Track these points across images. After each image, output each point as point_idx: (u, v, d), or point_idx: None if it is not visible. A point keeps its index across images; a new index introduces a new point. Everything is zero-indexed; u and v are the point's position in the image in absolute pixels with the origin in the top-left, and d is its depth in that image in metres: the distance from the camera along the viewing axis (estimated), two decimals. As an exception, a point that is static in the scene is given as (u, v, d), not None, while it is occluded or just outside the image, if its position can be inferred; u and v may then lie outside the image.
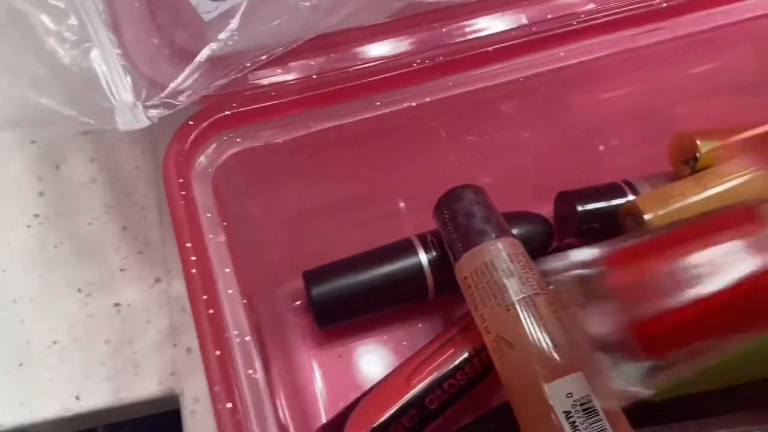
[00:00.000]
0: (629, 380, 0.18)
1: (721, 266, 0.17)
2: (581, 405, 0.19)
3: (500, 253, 0.23)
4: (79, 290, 0.31)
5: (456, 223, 0.25)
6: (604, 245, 0.21)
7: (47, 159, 0.34)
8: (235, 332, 0.19)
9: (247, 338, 0.19)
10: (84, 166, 0.33)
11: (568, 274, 0.21)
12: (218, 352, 0.18)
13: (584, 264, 0.20)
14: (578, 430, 0.19)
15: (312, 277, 0.28)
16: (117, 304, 0.30)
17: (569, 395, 0.19)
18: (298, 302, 0.28)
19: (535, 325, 0.20)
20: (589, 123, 0.30)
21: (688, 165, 0.30)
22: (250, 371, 0.18)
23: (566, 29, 0.25)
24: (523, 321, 0.21)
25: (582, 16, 0.25)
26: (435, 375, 0.26)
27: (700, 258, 0.18)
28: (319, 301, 0.27)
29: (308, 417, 0.25)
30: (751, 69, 0.32)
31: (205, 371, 0.18)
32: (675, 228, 0.22)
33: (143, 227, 0.32)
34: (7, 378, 0.29)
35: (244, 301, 0.19)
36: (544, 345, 0.20)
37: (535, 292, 0.21)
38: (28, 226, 0.32)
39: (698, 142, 0.29)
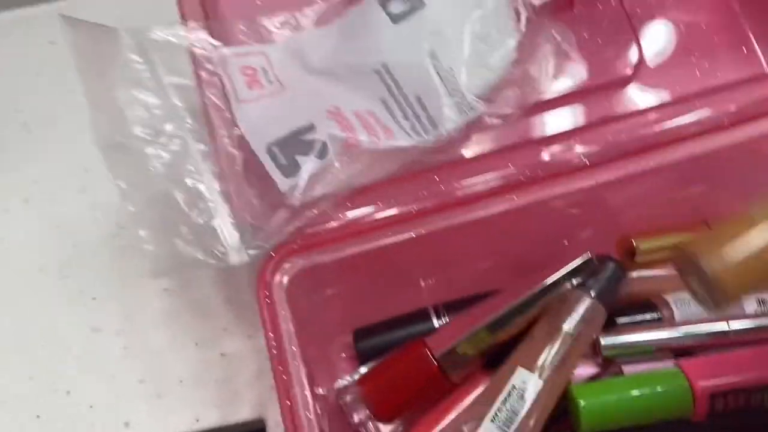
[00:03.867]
0: None
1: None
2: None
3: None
4: (196, 344, 0.44)
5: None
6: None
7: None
8: (298, 388, 0.31)
9: (306, 390, 0.31)
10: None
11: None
12: (288, 402, 0.30)
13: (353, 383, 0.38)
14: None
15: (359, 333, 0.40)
16: (223, 354, 0.44)
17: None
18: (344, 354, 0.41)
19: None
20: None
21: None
22: (307, 413, 0.31)
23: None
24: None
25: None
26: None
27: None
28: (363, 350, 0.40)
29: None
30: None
31: (281, 412, 0.30)
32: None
33: (240, 297, 0.45)
34: (153, 406, 0.42)
35: (305, 368, 0.32)
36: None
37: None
38: (160, 298, 0.46)
39: (634, 242, 0.40)
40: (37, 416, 0.43)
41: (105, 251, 0.47)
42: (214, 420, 0.42)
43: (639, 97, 0.42)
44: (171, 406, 0.42)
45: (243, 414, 0.42)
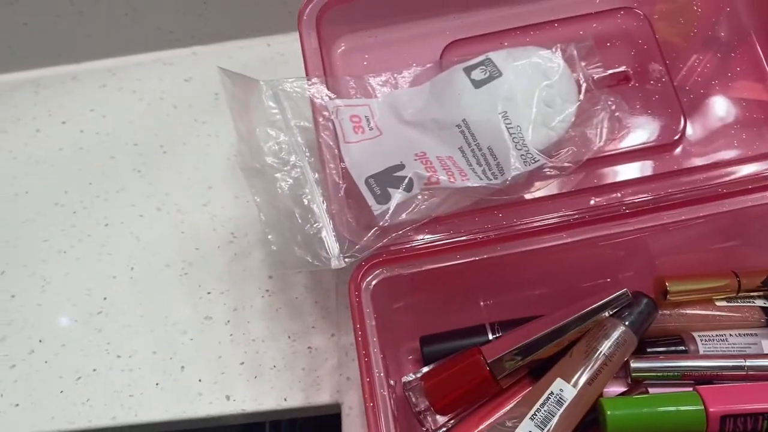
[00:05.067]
0: None
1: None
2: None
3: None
4: (289, 337, 0.53)
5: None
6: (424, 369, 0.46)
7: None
8: (377, 371, 0.39)
9: (381, 374, 0.39)
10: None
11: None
12: (368, 379, 0.39)
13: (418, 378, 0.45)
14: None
15: (425, 339, 0.48)
16: (309, 347, 0.52)
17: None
18: (411, 356, 0.49)
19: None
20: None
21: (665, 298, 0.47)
22: (382, 390, 0.39)
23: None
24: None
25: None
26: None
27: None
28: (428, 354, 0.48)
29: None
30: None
31: (362, 388, 0.38)
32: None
33: (327, 302, 0.54)
34: (250, 384, 0.51)
35: (382, 355, 0.40)
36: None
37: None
38: (263, 297, 0.55)
39: (667, 283, 0.46)
40: (156, 384, 0.53)
41: (220, 255, 0.57)
42: (299, 401, 0.50)
43: (682, 159, 0.49)
44: (265, 386, 0.51)
45: (323, 398, 0.50)
